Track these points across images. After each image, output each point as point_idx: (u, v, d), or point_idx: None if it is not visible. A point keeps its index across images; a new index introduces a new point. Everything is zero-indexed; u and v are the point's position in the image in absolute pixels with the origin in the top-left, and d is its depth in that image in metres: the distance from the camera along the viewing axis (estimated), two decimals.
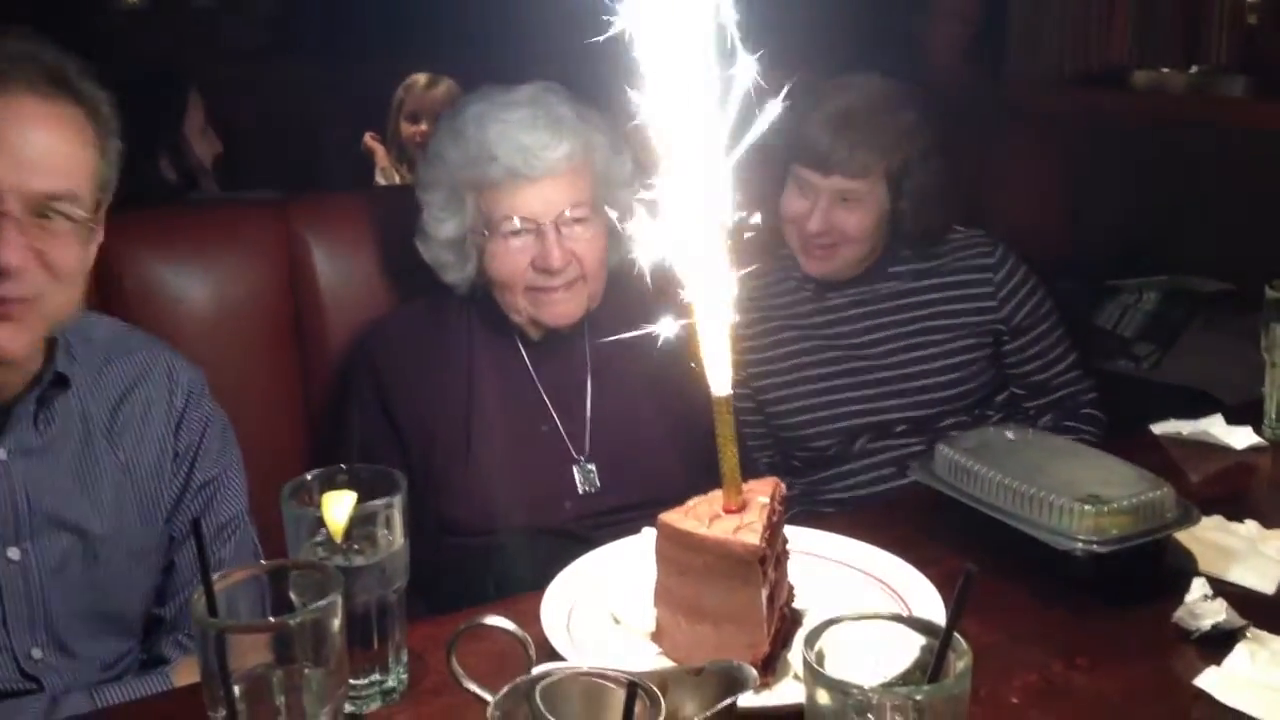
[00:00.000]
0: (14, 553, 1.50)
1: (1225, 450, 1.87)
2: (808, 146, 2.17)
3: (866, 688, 0.91)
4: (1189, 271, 2.89)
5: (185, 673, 1.52)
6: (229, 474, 1.68)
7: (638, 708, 0.83)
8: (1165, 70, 3.34)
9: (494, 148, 1.84)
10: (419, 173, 2.00)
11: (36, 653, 1.51)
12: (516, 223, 1.86)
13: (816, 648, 0.94)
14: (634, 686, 0.83)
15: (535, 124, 1.85)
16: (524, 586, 1.47)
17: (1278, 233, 2.60)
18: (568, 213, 1.87)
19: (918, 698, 0.91)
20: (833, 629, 0.96)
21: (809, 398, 2.26)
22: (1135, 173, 3.14)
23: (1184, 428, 1.93)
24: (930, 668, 0.93)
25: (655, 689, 0.85)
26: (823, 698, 0.92)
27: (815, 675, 0.91)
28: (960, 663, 0.91)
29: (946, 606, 1.33)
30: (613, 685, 0.90)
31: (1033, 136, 3.11)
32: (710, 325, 1.21)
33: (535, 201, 1.86)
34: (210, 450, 1.66)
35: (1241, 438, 1.88)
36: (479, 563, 1.82)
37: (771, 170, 2.25)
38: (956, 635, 0.92)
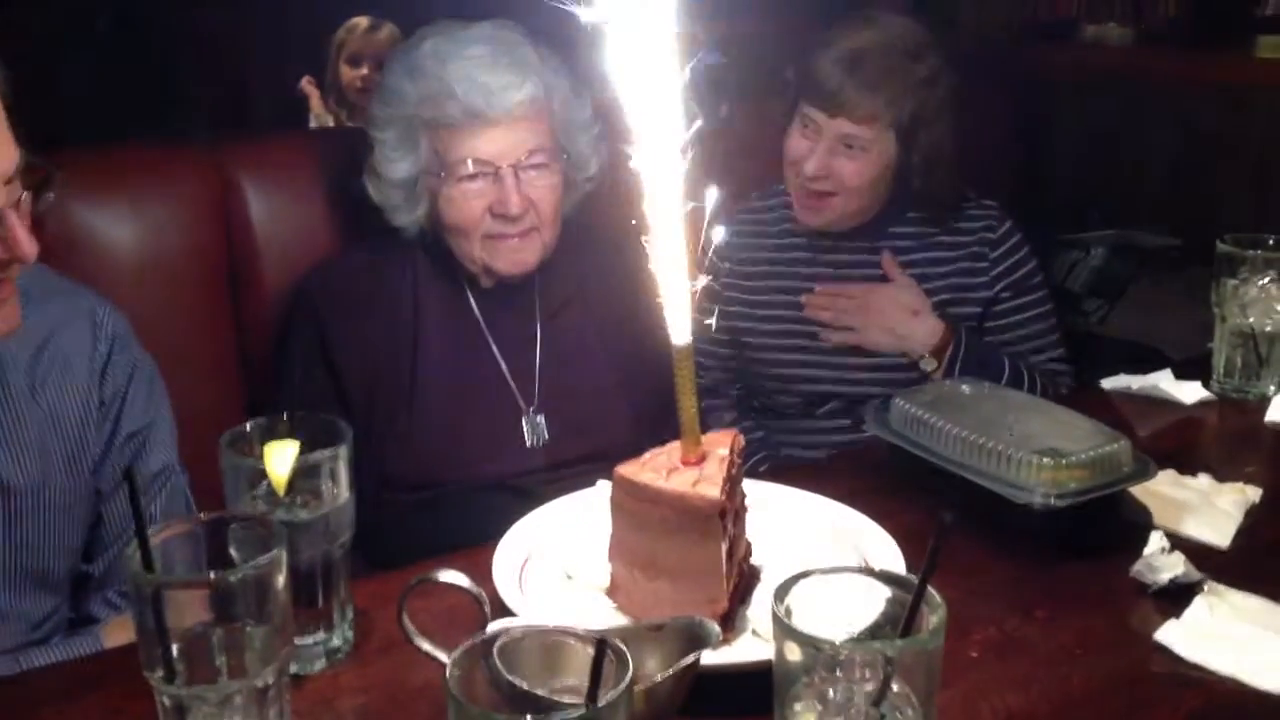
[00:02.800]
0: None
1: (1175, 405, 1.88)
2: (816, 84, 2.06)
3: (838, 642, 0.88)
4: (1136, 226, 2.90)
5: (116, 633, 1.46)
6: (158, 424, 1.61)
7: (605, 666, 0.79)
8: (1112, 25, 3.33)
9: (453, 85, 1.76)
10: (371, 109, 1.91)
11: None
12: (473, 165, 1.78)
13: (785, 602, 0.90)
14: (603, 644, 0.79)
15: (497, 63, 1.77)
16: (469, 542, 1.42)
17: (1222, 187, 2.61)
18: (526, 158, 1.80)
19: (889, 653, 0.88)
20: (801, 583, 0.93)
21: (783, 352, 2.20)
22: (1083, 128, 3.13)
23: (1133, 382, 1.93)
24: (902, 622, 0.90)
25: (623, 647, 0.81)
26: (792, 653, 0.89)
27: (786, 630, 0.88)
28: (934, 617, 0.89)
29: (906, 560, 1.31)
30: (577, 643, 0.86)
31: (982, 90, 3.09)
32: (672, 272, 1.16)
33: (494, 144, 1.78)
34: (137, 399, 1.59)
35: (1190, 392, 1.88)
36: (423, 518, 1.77)
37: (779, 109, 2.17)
38: (930, 588, 0.89)
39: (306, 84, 4.02)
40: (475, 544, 1.40)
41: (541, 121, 1.81)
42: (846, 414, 2.18)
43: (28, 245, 1.34)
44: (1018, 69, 3.23)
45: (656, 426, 1.69)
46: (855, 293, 2.16)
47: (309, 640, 1.19)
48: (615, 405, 1.89)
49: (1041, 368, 2.20)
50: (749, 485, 1.42)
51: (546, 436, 1.87)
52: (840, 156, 2.09)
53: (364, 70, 3.90)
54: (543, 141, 1.81)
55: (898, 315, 2.13)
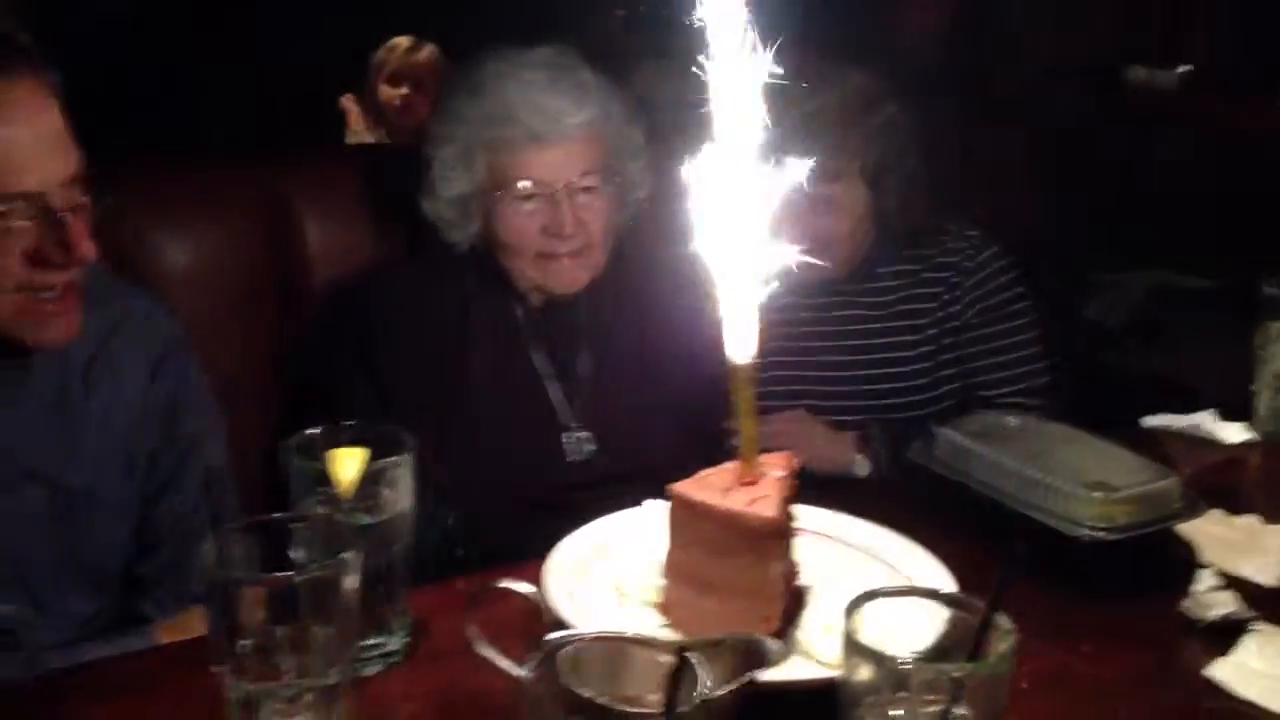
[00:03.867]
0: None
1: (1217, 445, 1.88)
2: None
3: (908, 662, 0.89)
4: (1174, 267, 2.90)
5: (167, 633, 1.47)
6: (210, 428, 1.63)
7: (685, 676, 0.80)
8: (1150, 69, 3.35)
9: (514, 108, 1.80)
10: (429, 128, 1.94)
11: (9, 608, 1.46)
12: (529, 186, 1.81)
13: (854, 620, 0.91)
14: (684, 653, 0.80)
15: (557, 87, 1.81)
16: (513, 556, 1.43)
17: (1262, 230, 2.62)
18: (579, 179, 1.83)
19: (958, 674, 0.89)
20: (871, 604, 0.94)
21: (773, 399, 2.14)
22: (1120, 168, 3.14)
23: (1175, 421, 1.93)
24: (970, 645, 0.91)
25: (703, 659, 0.82)
26: (861, 671, 0.89)
27: (856, 648, 0.89)
28: (1004, 642, 0.89)
29: (957, 587, 1.31)
30: (652, 652, 0.87)
31: (1017, 129, 3.11)
32: (737, 293, 1.17)
33: (550, 166, 1.81)
34: (190, 402, 1.61)
35: (1234, 433, 1.88)
36: (464, 531, 1.78)
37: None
38: (1000, 614, 0.90)
39: (347, 101, 4.05)
40: (520, 559, 1.41)
41: (597, 144, 1.84)
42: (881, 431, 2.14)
43: (87, 248, 1.37)
44: (1053, 111, 3.25)
45: (701, 446, 1.70)
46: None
47: (366, 643, 1.20)
48: (659, 424, 1.90)
49: (1006, 400, 2.15)
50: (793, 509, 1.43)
51: (589, 453, 1.88)
52: (820, 216, 2.07)
53: (404, 90, 3.93)
54: (597, 164, 1.84)
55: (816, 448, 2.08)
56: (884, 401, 2.15)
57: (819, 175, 2.02)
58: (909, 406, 2.15)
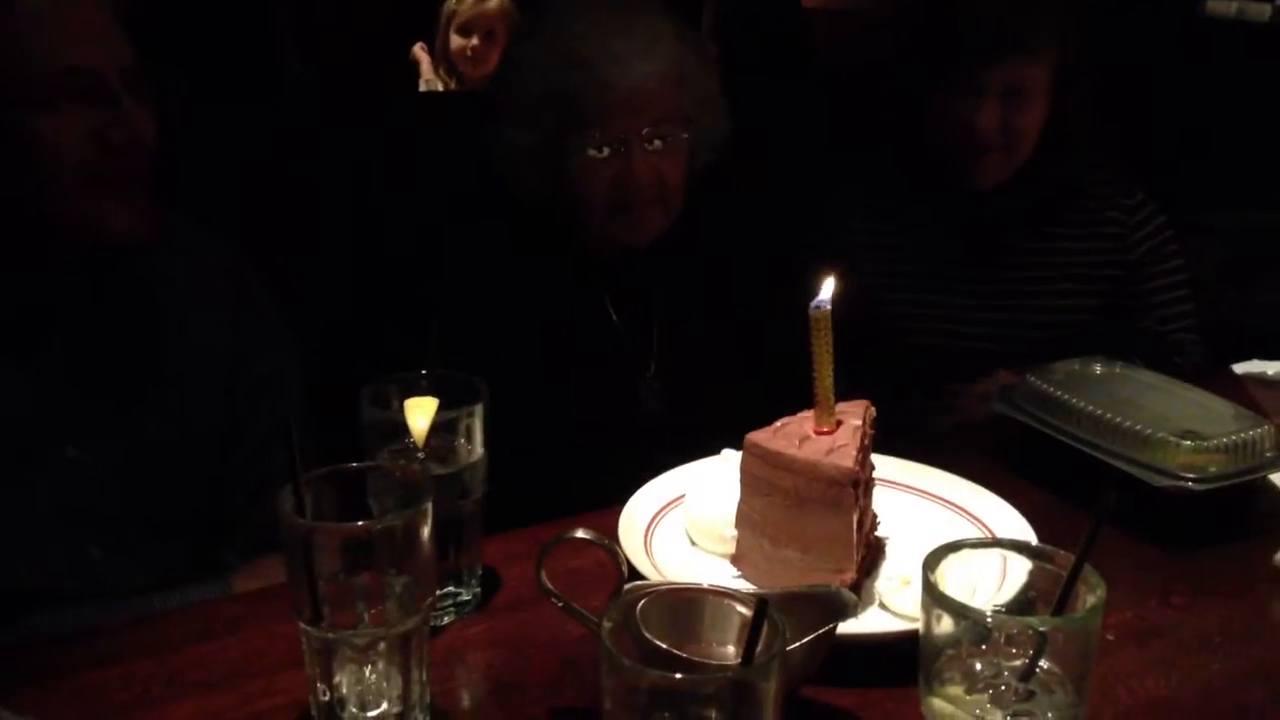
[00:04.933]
0: (71, 450, 1.47)
1: None
2: (969, 31, 1.97)
3: (990, 615, 0.86)
4: (1271, 208, 2.79)
5: (246, 578, 1.49)
6: (286, 372, 1.63)
7: (765, 626, 0.79)
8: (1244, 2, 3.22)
9: (583, 53, 1.73)
10: (498, 76, 1.90)
11: (95, 552, 1.49)
12: (601, 135, 1.75)
13: (936, 572, 0.89)
14: (764, 604, 0.78)
15: (631, 31, 1.74)
16: (587, 508, 1.43)
17: None
18: (654, 129, 1.76)
19: (1043, 628, 0.86)
20: (952, 555, 0.92)
21: (922, 314, 2.12)
22: (1215, 106, 3.03)
23: (1269, 368, 1.87)
24: (1055, 599, 0.88)
25: (779, 611, 0.80)
26: (942, 624, 0.87)
27: (938, 599, 0.86)
28: (1092, 596, 0.86)
29: (1037, 537, 1.28)
30: (731, 603, 0.85)
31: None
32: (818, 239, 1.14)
33: (623, 114, 1.74)
34: (266, 347, 1.61)
35: None
36: (541, 481, 1.78)
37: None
38: (1089, 566, 0.87)
39: (419, 50, 4.04)
40: (593, 509, 1.40)
41: (671, 92, 1.77)
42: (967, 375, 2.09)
43: (149, 128, 1.39)
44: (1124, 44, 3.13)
45: (778, 395, 1.68)
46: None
47: (440, 593, 1.21)
48: (735, 373, 1.87)
49: (1172, 338, 2.13)
50: (873, 459, 1.40)
51: (665, 402, 1.86)
52: (1011, 111, 2.00)
53: (474, 40, 3.91)
54: (672, 112, 1.78)
55: None
56: (1012, 347, 2.08)
57: (1018, 52, 1.91)
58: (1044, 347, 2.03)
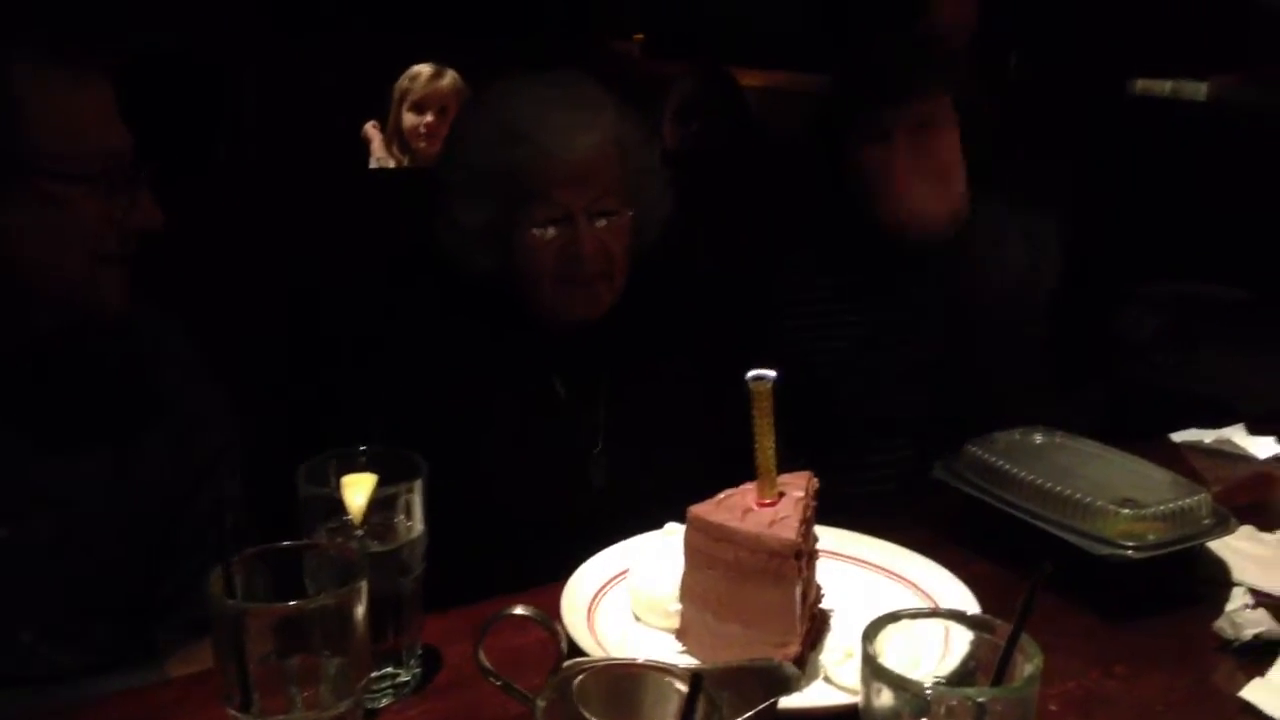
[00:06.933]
0: (1, 530, 1.44)
1: (1247, 460, 1.84)
2: (874, 78, 2.02)
3: (931, 688, 0.86)
4: (1208, 279, 2.86)
5: (180, 662, 1.46)
6: (226, 451, 1.61)
7: (699, 703, 0.78)
8: (1179, 81, 3.32)
9: (527, 127, 1.74)
10: (443, 154, 1.92)
11: (25, 635, 1.45)
12: (546, 210, 1.76)
13: (875, 644, 0.89)
14: (698, 680, 0.77)
15: (570, 104, 1.76)
16: (534, 581, 1.42)
17: None
18: (598, 203, 1.77)
19: (982, 699, 0.86)
20: (890, 626, 0.91)
21: (854, 372, 2.10)
22: (1151, 180, 3.11)
23: (1205, 436, 1.90)
24: (994, 668, 0.88)
25: (719, 686, 0.79)
26: (882, 697, 0.87)
27: (877, 671, 0.86)
28: (1029, 665, 0.86)
29: (982, 607, 1.28)
30: (668, 679, 0.84)
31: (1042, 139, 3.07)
32: (755, 315, 1.16)
33: (567, 186, 1.75)
34: (208, 423, 1.59)
35: (1264, 448, 1.85)
36: (487, 556, 1.76)
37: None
38: (1026, 636, 0.87)
39: (371, 128, 4.06)
40: (540, 584, 1.39)
41: (615, 165, 1.79)
42: (908, 445, 2.09)
43: (153, 214, 1.44)
44: (1073, 121, 3.21)
45: (724, 468, 1.68)
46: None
47: (376, 674, 1.18)
48: (682, 447, 1.87)
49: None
50: (816, 530, 1.40)
51: (611, 476, 1.86)
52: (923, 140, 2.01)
53: (428, 117, 3.93)
54: (614, 185, 1.79)
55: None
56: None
57: (922, 89, 1.93)
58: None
